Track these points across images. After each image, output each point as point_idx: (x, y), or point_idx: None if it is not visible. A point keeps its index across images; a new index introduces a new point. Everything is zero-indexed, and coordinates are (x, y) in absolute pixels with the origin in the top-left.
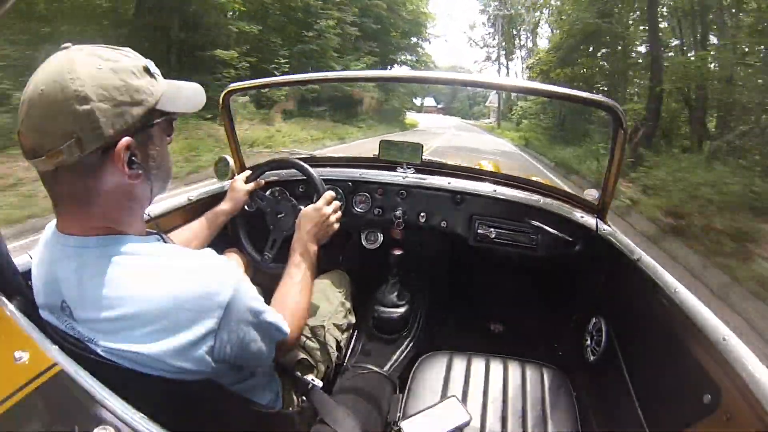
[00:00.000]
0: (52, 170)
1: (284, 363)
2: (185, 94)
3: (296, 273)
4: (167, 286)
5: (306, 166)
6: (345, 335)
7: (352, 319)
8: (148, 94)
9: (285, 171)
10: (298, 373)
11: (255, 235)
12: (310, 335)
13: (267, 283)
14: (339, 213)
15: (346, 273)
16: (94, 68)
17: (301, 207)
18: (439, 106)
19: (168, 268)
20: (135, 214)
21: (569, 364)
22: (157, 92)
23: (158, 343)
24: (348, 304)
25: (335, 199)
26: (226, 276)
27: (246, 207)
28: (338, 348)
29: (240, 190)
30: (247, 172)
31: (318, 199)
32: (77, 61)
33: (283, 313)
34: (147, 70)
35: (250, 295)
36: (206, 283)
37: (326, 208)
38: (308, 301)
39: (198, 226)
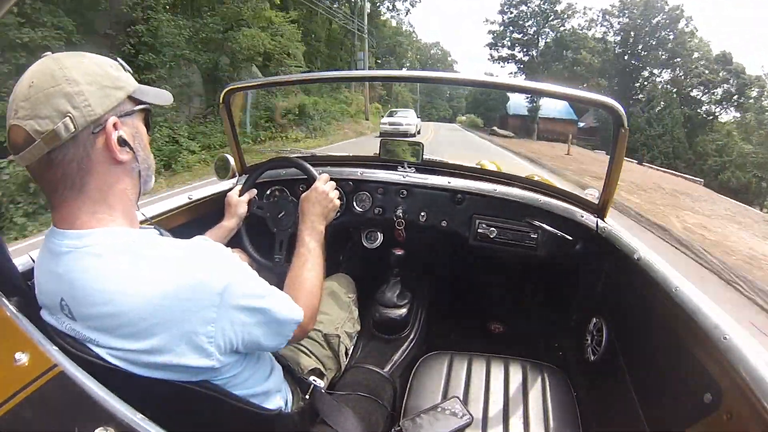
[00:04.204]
0: (45, 156)
1: (288, 365)
2: (153, 90)
3: (305, 253)
4: (160, 278)
5: (294, 158)
6: (353, 342)
7: (359, 326)
8: (126, 82)
9: (284, 171)
10: (300, 374)
11: (262, 240)
12: (323, 343)
13: (276, 283)
14: (336, 192)
15: (350, 277)
16: (78, 61)
17: None
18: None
19: (159, 259)
20: (127, 201)
21: (570, 363)
22: (133, 83)
23: (156, 337)
24: (356, 312)
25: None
26: (220, 263)
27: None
28: (346, 354)
29: (235, 204)
30: (239, 187)
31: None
32: (61, 58)
33: (296, 293)
34: (121, 66)
35: (248, 278)
36: (199, 272)
37: (324, 186)
38: (320, 279)
39: None
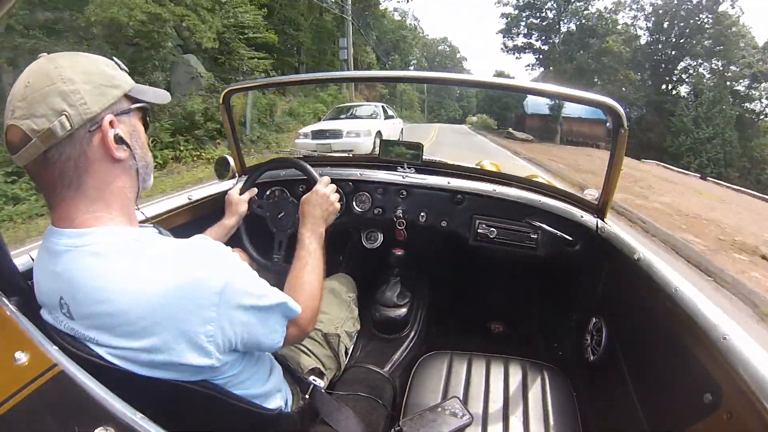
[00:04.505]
0: (41, 155)
1: (288, 364)
2: (150, 89)
3: (305, 256)
4: (159, 277)
5: (297, 160)
6: (353, 342)
7: (359, 326)
8: (123, 81)
9: (284, 171)
10: (301, 374)
11: (260, 239)
12: (323, 343)
13: (276, 283)
14: (337, 194)
15: (350, 277)
16: (73, 61)
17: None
18: None
19: (159, 258)
20: (126, 199)
21: (569, 364)
22: (129, 81)
23: (155, 336)
24: (356, 311)
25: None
26: (218, 261)
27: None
28: (346, 354)
29: (236, 202)
30: (239, 185)
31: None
32: (57, 58)
33: (296, 295)
34: (117, 65)
35: (248, 277)
36: (198, 271)
37: (325, 189)
38: (321, 282)
39: None
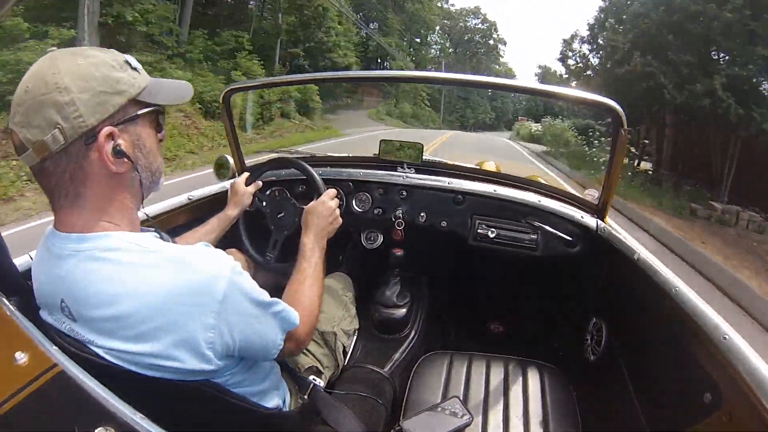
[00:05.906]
0: (38, 164)
1: (286, 363)
2: (168, 86)
3: (307, 268)
4: (161, 282)
5: (305, 165)
6: (351, 340)
7: (357, 324)
8: (129, 85)
9: (284, 170)
10: (299, 373)
11: (256, 235)
12: (320, 341)
13: (271, 282)
14: (339, 209)
15: (348, 276)
16: (74, 64)
17: (302, 207)
18: None
19: (161, 264)
20: (127, 209)
21: (569, 363)
22: (139, 84)
23: (156, 341)
24: (353, 310)
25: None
26: (220, 268)
27: (247, 208)
28: (344, 353)
29: (242, 193)
30: (246, 174)
31: (319, 197)
32: (58, 59)
33: (295, 308)
34: (128, 63)
35: (249, 287)
36: (200, 277)
37: (330, 202)
38: (320, 296)
39: (203, 232)
